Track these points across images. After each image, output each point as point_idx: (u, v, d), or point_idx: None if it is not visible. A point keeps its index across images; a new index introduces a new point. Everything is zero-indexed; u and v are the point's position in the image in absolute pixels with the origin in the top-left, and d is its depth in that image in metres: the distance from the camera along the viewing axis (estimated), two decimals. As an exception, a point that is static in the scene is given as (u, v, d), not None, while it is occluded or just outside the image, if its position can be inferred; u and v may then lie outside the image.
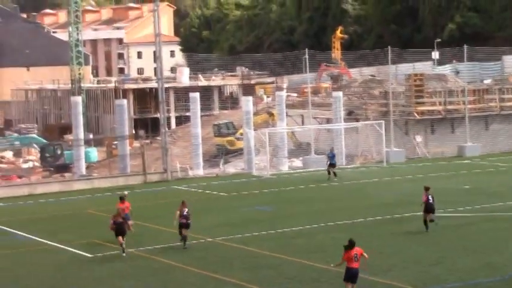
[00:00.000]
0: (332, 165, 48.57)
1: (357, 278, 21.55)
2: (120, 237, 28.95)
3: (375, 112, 63.92)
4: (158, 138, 67.20)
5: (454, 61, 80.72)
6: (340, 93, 61.50)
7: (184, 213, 30.13)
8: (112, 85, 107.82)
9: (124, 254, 28.97)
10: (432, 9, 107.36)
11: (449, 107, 61.77)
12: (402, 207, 36.83)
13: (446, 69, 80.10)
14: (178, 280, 25.35)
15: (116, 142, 63.50)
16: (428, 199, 30.99)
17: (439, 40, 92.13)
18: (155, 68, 63.80)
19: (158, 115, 59.66)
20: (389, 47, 61.28)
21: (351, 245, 21.53)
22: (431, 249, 27.97)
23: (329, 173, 48.46)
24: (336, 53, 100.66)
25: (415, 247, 28.43)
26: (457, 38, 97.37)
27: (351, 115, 65.08)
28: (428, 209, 30.98)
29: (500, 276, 23.93)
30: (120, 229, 29.03)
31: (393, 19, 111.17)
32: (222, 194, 45.22)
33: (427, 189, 31.42)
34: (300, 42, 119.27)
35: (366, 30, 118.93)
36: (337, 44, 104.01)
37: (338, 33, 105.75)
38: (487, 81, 74.60)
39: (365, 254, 21.73)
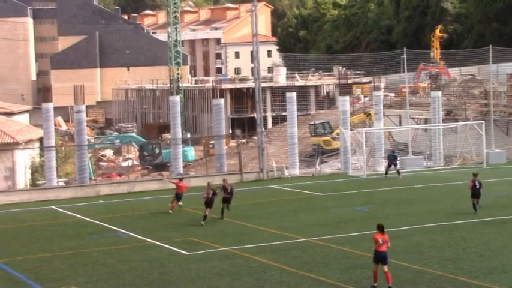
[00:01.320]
0: (391, 165, 49.87)
1: (387, 260, 23.66)
2: (208, 209, 35.50)
3: (475, 112, 62.78)
4: (254, 137, 67.65)
5: (558, 60, 78.43)
6: (439, 93, 60.57)
7: (229, 190, 36.42)
8: (210, 85, 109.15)
9: (203, 223, 34.90)
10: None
11: (553, 107, 60.16)
12: (502, 210, 36.02)
13: (550, 68, 77.95)
14: (273, 279, 25.40)
15: (212, 141, 64.23)
16: (475, 185, 34.27)
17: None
18: (252, 68, 64.27)
19: (255, 115, 59.99)
20: (490, 45, 60.05)
21: (380, 228, 23.90)
22: (533, 253, 27.25)
23: (386, 173, 50.15)
24: (435, 52, 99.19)
25: (517, 251, 27.75)
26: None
27: (450, 115, 64.05)
28: (474, 194, 34.45)
29: None
30: (209, 202, 35.84)
31: (495, 17, 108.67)
32: (318, 193, 45.11)
33: (475, 175, 34.56)
34: (398, 42, 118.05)
35: (466, 28, 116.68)
36: (436, 43, 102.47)
37: (437, 32, 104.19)
38: None
39: (389, 244, 23.90)
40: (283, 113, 75.43)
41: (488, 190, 42.49)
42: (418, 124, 63.31)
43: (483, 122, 55.92)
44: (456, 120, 61.78)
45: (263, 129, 57.10)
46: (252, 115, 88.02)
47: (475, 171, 36.15)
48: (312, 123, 74.51)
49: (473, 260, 26.54)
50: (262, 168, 53.23)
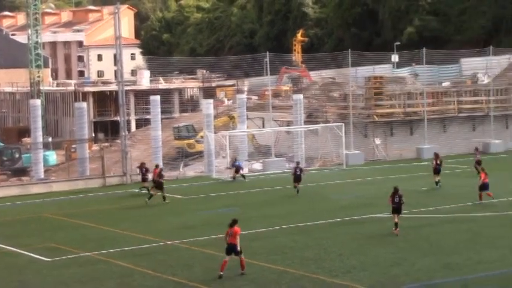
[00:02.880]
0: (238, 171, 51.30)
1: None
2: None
3: (335, 115, 64.22)
4: (118, 141, 66.82)
5: (413, 64, 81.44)
6: (301, 96, 61.69)
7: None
8: (72, 88, 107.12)
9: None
10: (392, 13, 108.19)
11: (408, 109, 62.33)
12: (361, 210, 37.06)
13: (405, 72, 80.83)
14: (137, 283, 25.24)
15: (75, 145, 63.03)
16: (394, 199, 31.46)
17: (398, 43, 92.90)
18: (115, 71, 63.57)
19: (118, 118, 59.39)
20: (349, 49, 61.65)
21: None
22: (391, 251, 28.17)
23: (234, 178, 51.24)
24: (297, 56, 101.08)
25: (374, 249, 28.61)
26: (416, 41, 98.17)
27: (311, 118, 65.30)
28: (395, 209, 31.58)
29: (457, 277, 24.18)
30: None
31: (353, 22, 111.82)
32: (182, 197, 45.11)
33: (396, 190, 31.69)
34: (260, 45, 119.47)
35: (326, 33, 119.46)
36: (297, 47, 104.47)
37: (299, 36, 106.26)
38: (445, 84, 75.42)
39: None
40: (147, 116, 74.90)
41: (348, 191, 43.71)
42: (280, 126, 64.28)
43: (343, 124, 57.36)
44: (317, 123, 63.06)
45: (127, 133, 56.58)
46: (115, 118, 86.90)
47: (396, 187, 32.38)
48: (176, 126, 74.35)
49: (333, 259, 27.21)
50: (126, 172, 52.75)
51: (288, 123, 63.26)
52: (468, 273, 24.49)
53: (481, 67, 78.31)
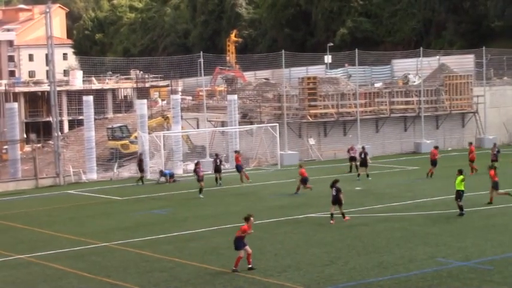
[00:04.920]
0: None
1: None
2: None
3: (269, 115, 64.52)
4: (50, 142, 66.08)
5: (346, 65, 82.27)
6: (235, 97, 61.83)
7: None
8: (2, 88, 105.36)
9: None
10: (324, 14, 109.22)
11: (342, 110, 62.96)
12: (297, 210, 37.28)
13: (338, 72, 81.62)
14: (71, 286, 24.97)
15: (6, 146, 62.06)
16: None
17: (331, 44, 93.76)
18: (47, 71, 62.73)
19: (50, 119, 58.69)
20: (283, 50, 61.98)
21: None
22: (326, 250, 28.41)
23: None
24: (231, 57, 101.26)
25: (310, 248, 28.82)
26: (349, 42, 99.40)
27: (245, 118, 65.48)
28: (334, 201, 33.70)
29: (390, 275, 24.51)
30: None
31: (287, 23, 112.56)
32: (116, 198, 44.78)
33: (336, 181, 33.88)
34: (194, 46, 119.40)
35: (260, 33, 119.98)
36: (231, 48, 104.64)
37: (232, 36, 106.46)
38: (378, 85, 76.39)
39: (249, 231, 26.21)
40: (80, 117, 74.17)
41: (282, 191, 43.94)
42: (215, 127, 64.29)
43: (277, 124, 57.66)
44: (252, 123, 63.28)
45: (59, 134, 55.95)
46: (47, 119, 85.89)
47: (335, 180, 34.25)
48: (110, 127, 73.79)
49: (269, 259, 27.32)
50: (59, 173, 52.14)
51: (223, 124, 63.32)
52: (401, 272, 24.85)
53: (412, 68, 79.55)
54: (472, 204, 36.10)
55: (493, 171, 36.67)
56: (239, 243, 25.70)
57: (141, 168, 51.19)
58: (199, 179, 43.16)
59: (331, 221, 33.28)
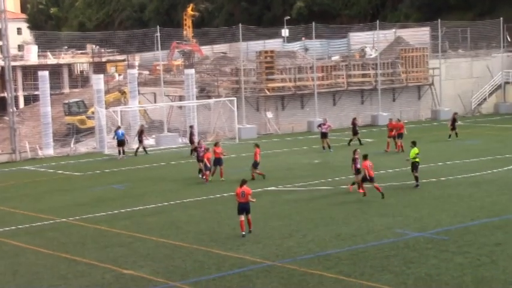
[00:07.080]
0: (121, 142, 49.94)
1: (248, 209, 26.96)
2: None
3: (227, 89, 64.49)
4: (6, 118, 65.27)
5: (303, 38, 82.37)
6: (192, 71, 61.63)
7: None
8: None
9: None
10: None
11: (299, 83, 63.10)
12: (255, 183, 37.33)
13: (295, 46, 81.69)
14: (29, 262, 24.83)
15: (-40, 123, 61.27)
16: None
17: (288, 18, 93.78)
18: (1, 46, 61.86)
19: (5, 94, 57.95)
20: (240, 24, 61.84)
21: (242, 182, 27.14)
22: (284, 223, 28.56)
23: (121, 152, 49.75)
24: (188, 31, 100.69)
25: (268, 221, 28.94)
26: (306, 15, 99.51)
27: (203, 92, 65.35)
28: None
29: (348, 246, 24.75)
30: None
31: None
32: (73, 173, 44.51)
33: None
34: (151, 20, 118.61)
35: (216, 7, 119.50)
36: (188, 22, 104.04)
37: (189, 10, 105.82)
38: (335, 58, 76.66)
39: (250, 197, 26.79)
40: (36, 92, 73.42)
41: (241, 164, 43.99)
42: (172, 102, 64.05)
43: (235, 98, 57.65)
44: (209, 97, 63.18)
45: (15, 109, 55.34)
46: (2, 95, 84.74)
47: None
48: (66, 102, 73.19)
49: (228, 233, 27.41)
50: (15, 149, 51.64)
51: (180, 98, 63.12)
52: (359, 243, 25.10)
53: (368, 41, 79.92)
54: (427, 175, 36.53)
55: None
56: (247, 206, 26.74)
57: (140, 139, 51.88)
58: (200, 159, 39.83)
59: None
